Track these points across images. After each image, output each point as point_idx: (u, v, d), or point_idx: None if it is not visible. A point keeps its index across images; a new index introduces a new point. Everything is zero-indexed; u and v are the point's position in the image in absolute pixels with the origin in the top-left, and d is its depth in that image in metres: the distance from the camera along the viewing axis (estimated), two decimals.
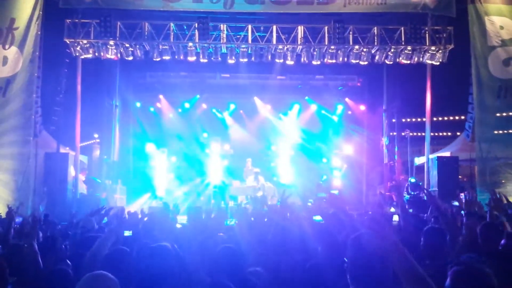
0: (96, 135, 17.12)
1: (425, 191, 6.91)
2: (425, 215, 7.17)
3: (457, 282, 2.36)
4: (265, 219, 5.70)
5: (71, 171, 13.31)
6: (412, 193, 14.34)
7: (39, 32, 12.55)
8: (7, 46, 12.50)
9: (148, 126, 17.52)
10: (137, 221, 5.76)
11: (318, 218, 6.78)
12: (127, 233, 5.44)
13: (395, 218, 7.18)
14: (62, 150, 13.60)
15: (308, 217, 4.74)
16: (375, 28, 13.31)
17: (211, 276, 3.07)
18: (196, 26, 12.96)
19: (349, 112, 18.24)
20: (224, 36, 13.21)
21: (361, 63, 13.64)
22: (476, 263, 3.04)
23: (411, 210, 8.28)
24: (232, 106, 18.22)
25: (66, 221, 8.38)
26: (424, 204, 11.17)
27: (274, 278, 2.88)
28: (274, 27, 13.22)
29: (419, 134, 16.64)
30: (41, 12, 12.57)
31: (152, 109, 18.08)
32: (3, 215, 9.58)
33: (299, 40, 13.30)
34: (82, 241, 5.28)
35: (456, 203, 9.21)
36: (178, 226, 5.95)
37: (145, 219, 5.73)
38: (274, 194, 15.45)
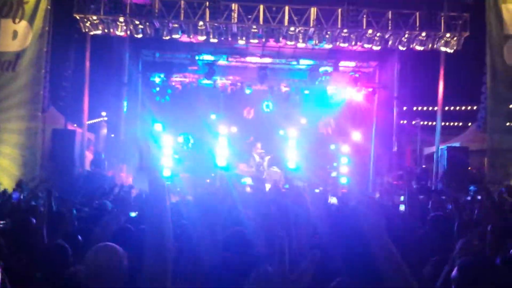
0: (104, 113, 17.10)
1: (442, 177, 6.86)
2: (430, 202, 7.09)
3: (464, 273, 2.30)
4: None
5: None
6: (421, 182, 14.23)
7: (49, 7, 12.46)
8: (17, 20, 12.43)
9: (156, 106, 17.44)
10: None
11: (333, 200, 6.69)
12: (133, 214, 5.41)
13: (402, 207, 7.11)
14: (70, 126, 13.60)
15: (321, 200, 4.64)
16: (390, 12, 13.05)
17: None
18: (207, 4, 12.79)
19: (360, 98, 18.02)
20: (235, 16, 13.03)
21: (374, 48, 13.41)
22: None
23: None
24: (241, 88, 18.05)
25: (72, 197, 8.38)
26: (431, 193, 11.06)
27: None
28: (286, 8, 13.01)
29: (430, 123, 16.45)
30: None
31: (159, 88, 17.96)
32: (10, 189, 9.63)
33: (311, 22, 13.08)
34: (88, 217, 5.26)
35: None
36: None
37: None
38: (280, 179, 15.42)
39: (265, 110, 17.55)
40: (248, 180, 15.18)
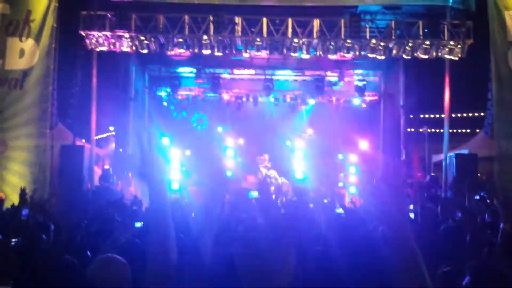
0: (111, 128, 17.20)
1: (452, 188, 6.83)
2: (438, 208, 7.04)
3: (477, 281, 2.28)
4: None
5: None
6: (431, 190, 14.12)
7: (55, 24, 12.59)
8: (23, 39, 12.56)
9: (162, 119, 17.53)
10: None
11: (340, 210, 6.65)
12: (138, 224, 5.41)
13: (411, 215, 7.06)
14: (78, 142, 13.68)
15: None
16: (393, 21, 13.09)
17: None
18: (211, 18, 12.90)
19: (365, 107, 18.00)
20: (239, 29, 13.12)
21: (378, 57, 13.43)
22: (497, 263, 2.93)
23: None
24: (248, 100, 18.10)
25: (81, 212, 8.40)
26: (440, 201, 10.96)
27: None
28: (290, 20, 13.09)
29: (437, 130, 16.36)
30: (57, 4, 12.60)
31: (165, 103, 18.08)
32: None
33: (314, 33, 13.15)
34: (98, 232, 5.28)
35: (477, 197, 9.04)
36: None
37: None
38: (288, 190, 15.36)
39: (271, 102, 17.59)
40: (255, 194, 15.13)
